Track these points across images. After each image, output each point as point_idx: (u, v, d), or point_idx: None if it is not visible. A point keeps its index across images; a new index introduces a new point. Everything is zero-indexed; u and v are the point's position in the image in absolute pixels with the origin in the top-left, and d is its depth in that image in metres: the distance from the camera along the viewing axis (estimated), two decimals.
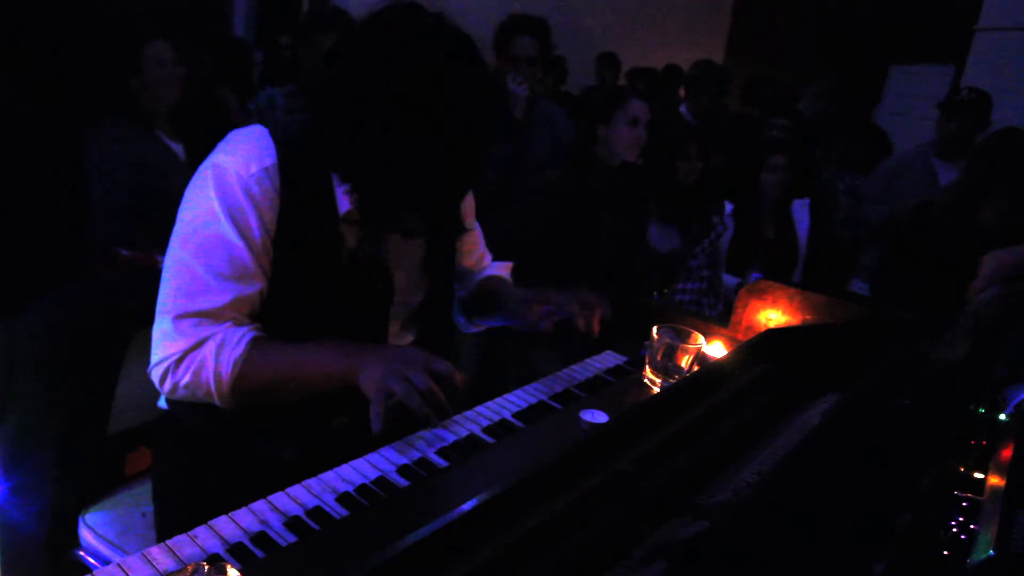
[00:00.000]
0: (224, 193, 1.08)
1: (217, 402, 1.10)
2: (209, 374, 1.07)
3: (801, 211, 3.10)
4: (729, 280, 2.95)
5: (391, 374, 1.04)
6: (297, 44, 2.70)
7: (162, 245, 1.13)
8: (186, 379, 1.08)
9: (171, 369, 1.08)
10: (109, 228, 2.35)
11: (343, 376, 1.08)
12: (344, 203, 1.15)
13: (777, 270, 2.97)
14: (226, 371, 1.07)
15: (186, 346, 1.08)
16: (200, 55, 3.43)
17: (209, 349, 1.07)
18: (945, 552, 0.68)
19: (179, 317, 1.08)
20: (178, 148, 2.55)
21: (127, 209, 2.37)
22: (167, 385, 1.10)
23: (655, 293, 2.85)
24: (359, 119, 1.06)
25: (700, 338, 1.37)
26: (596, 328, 1.29)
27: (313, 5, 5.55)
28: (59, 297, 1.32)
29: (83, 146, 2.39)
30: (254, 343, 1.09)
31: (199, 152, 2.51)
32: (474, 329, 1.53)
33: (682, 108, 4.14)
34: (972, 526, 0.69)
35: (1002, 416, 0.91)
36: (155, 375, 1.11)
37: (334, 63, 1.10)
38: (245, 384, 1.08)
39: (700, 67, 4.17)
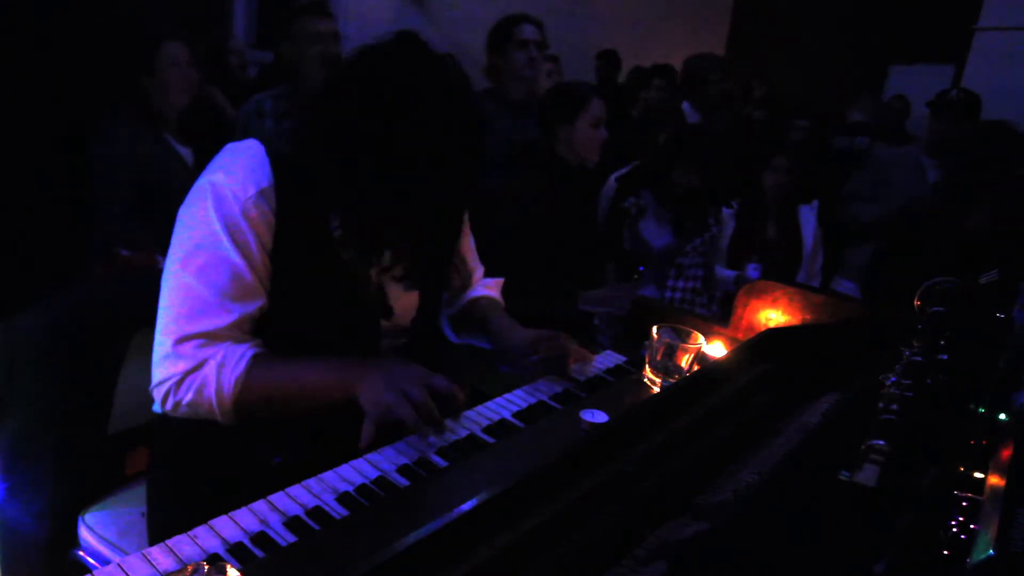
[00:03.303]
0: (223, 213, 1.09)
1: (219, 419, 1.11)
2: (211, 393, 1.08)
3: (808, 214, 3.11)
4: (726, 273, 2.96)
5: (389, 389, 1.06)
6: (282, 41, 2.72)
7: (162, 245, 1.13)
8: (188, 398, 1.09)
9: (173, 389, 1.10)
10: (112, 225, 2.35)
11: (343, 391, 1.10)
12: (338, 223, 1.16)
13: (778, 269, 2.97)
14: (228, 390, 1.08)
15: (187, 367, 1.09)
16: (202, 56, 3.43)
17: (210, 369, 1.08)
18: (945, 552, 0.68)
19: (181, 340, 1.09)
20: (185, 152, 2.54)
21: (130, 208, 2.37)
22: (169, 404, 1.11)
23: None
24: (347, 154, 1.07)
25: (700, 338, 1.37)
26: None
27: None
28: (59, 297, 1.32)
29: (90, 143, 2.38)
30: (255, 360, 1.10)
31: (207, 158, 2.51)
32: (459, 341, 1.54)
33: (684, 105, 4.12)
34: (972, 526, 0.69)
35: (1002, 416, 0.91)
36: (157, 395, 1.12)
37: (324, 98, 1.12)
38: (247, 401, 1.10)
39: (692, 60, 4.19)
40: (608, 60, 5.95)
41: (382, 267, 1.22)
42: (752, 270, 2.92)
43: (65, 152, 2.49)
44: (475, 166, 1.14)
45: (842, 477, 0.74)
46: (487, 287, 1.55)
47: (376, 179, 1.07)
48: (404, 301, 1.30)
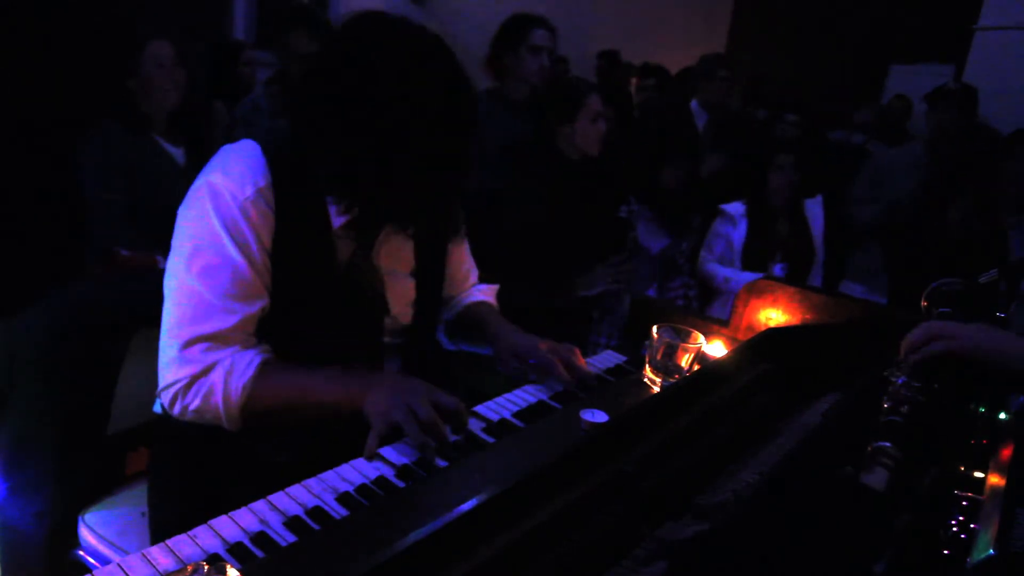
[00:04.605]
0: (222, 214, 1.09)
1: (225, 425, 1.11)
2: (218, 399, 1.09)
3: (814, 209, 3.10)
4: (747, 276, 2.95)
5: (396, 405, 1.06)
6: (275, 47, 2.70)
7: (161, 246, 1.14)
8: (196, 404, 1.09)
9: (180, 394, 1.10)
10: (106, 231, 2.34)
11: (349, 404, 1.10)
12: (338, 218, 1.16)
13: (796, 267, 2.97)
14: (235, 396, 1.08)
15: (194, 371, 1.09)
16: (200, 59, 3.40)
17: (218, 375, 1.08)
18: (945, 552, 0.68)
19: (188, 343, 1.09)
20: (177, 152, 2.52)
21: (123, 213, 2.36)
22: (176, 409, 1.11)
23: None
24: (342, 134, 1.07)
25: (700, 338, 1.37)
26: (572, 377, 1.34)
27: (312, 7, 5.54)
28: (59, 297, 1.32)
29: (78, 151, 2.37)
30: (263, 367, 1.10)
31: (198, 157, 2.49)
32: (454, 348, 1.54)
33: (692, 103, 4.11)
34: (972, 526, 0.69)
35: (1002, 416, 0.91)
36: (165, 398, 1.12)
37: (312, 78, 1.12)
38: (254, 408, 1.10)
39: (707, 59, 4.17)
40: (609, 60, 5.95)
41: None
42: (779, 270, 2.93)
43: (64, 152, 2.48)
44: (468, 140, 1.13)
45: (847, 473, 0.74)
46: (482, 292, 1.54)
47: (370, 160, 1.08)
48: (401, 296, 1.30)
